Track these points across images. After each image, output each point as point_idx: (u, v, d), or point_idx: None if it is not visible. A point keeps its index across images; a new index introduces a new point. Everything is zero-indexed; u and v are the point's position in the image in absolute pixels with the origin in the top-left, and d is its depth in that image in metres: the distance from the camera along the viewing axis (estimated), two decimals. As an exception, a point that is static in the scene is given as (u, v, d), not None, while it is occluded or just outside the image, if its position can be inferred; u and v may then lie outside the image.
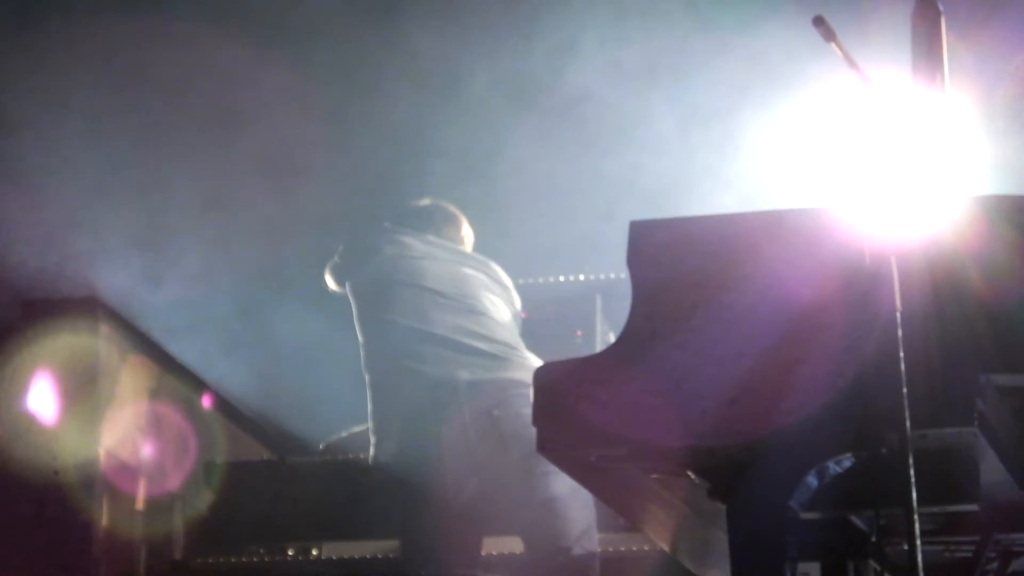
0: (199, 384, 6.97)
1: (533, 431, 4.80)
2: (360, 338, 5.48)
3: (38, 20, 6.84)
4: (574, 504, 5.23)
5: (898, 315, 3.58)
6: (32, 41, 6.81)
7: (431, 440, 5.24)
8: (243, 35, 7.00)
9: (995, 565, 4.55)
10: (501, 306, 5.49)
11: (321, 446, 6.35)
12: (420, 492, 5.23)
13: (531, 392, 3.98)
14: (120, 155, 6.96)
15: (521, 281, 5.88)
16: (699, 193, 6.66)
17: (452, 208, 5.71)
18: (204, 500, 6.27)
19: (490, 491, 5.25)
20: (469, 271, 5.52)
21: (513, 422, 5.20)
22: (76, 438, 6.14)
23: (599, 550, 5.31)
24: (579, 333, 6.52)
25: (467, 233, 5.69)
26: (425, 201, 5.69)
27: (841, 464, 3.78)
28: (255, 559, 6.20)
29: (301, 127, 7.11)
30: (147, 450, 6.49)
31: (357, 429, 5.82)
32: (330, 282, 5.65)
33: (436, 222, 5.61)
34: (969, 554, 4.40)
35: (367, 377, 5.44)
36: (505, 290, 5.57)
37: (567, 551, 5.20)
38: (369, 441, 5.48)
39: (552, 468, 5.15)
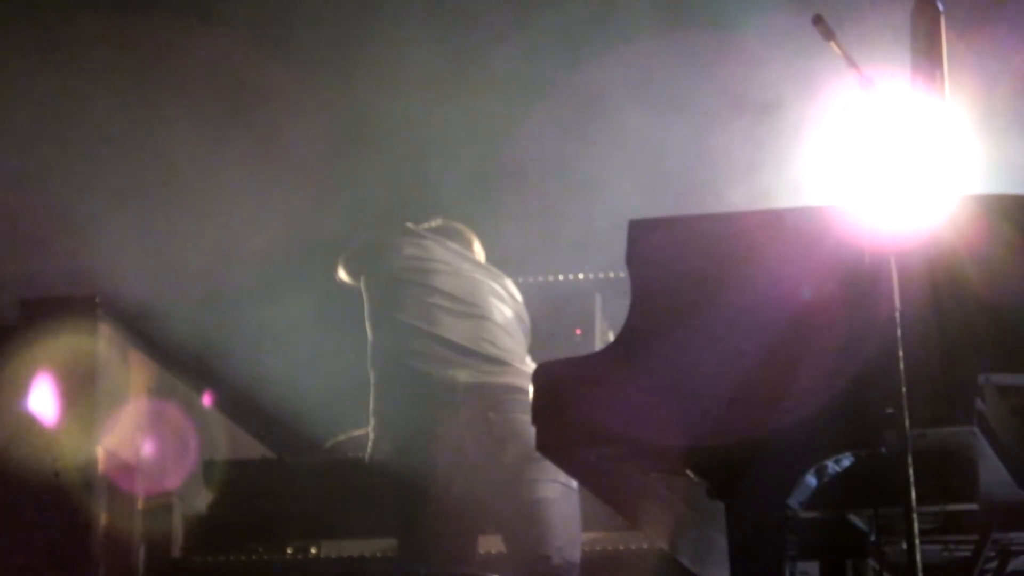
0: (199, 383, 6.97)
1: (526, 436, 4.82)
2: (369, 334, 5.50)
3: (40, 20, 6.85)
4: (559, 514, 5.24)
5: (897, 315, 3.58)
6: (34, 42, 6.81)
7: (425, 439, 5.25)
8: (247, 34, 7.01)
9: (994, 564, 4.56)
10: (509, 316, 5.50)
11: (327, 445, 6.35)
12: (414, 491, 5.23)
13: (527, 397, 3.97)
14: (120, 154, 6.96)
15: (520, 279, 5.88)
16: (699, 192, 6.66)
17: (463, 226, 5.72)
18: (204, 499, 6.27)
19: (480, 492, 5.26)
20: (481, 278, 5.53)
21: (507, 426, 5.22)
22: (76, 438, 6.14)
23: (579, 562, 5.30)
24: (578, 332, 6.51)
25: (479, 250, 5.70)
26: (438, 221, 5.70)
27: (840, 463, 3.78)
28: (254, 558, 6.20)
29: (303, 125, 7.12)
30: (147, 449, 6.49)
31: (357, 432, 5.82)
32: (342, 274, 5.65)
33: (450, 236, 5.61)
34: (968, 553, 4.40)
35: (371, 374, 5.45)
36: (516, 303, 5.58)
37: (546, 559, 5.20)
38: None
39: (541, 475, 5.19)
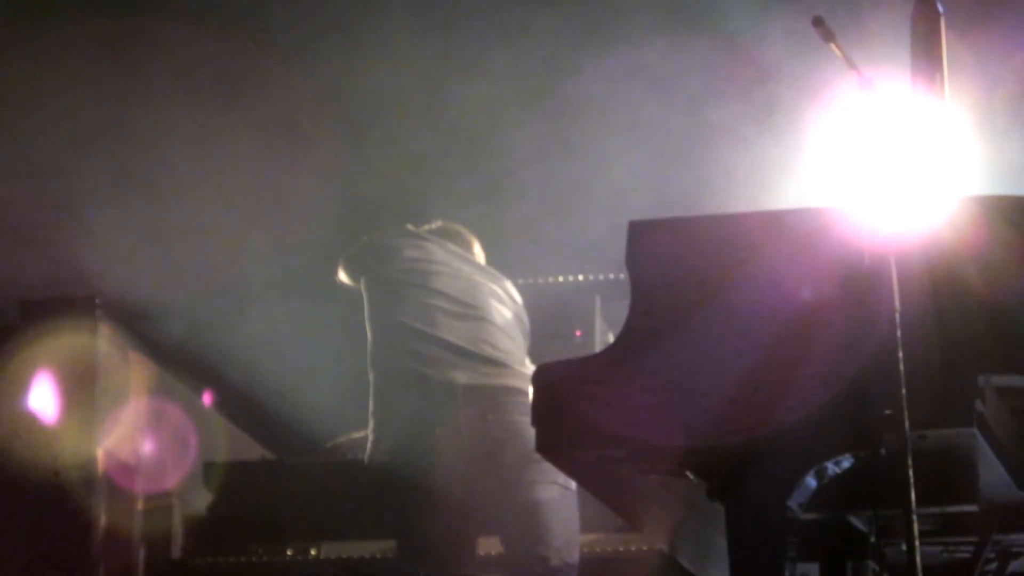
0: (199, 383, 6.97)
1: (524, 438, 4.84)
2: (369, 335, 5.50)
3: (39, 19, 6.84)
4: (558, 515, 5.25)
5: (897, 315, 3.58)
6: (33, 40, 6.81)
7: (425, 441, 5.25)
8: (246, 37, 7.01)
9: (994, 566, 4.55)
10: (509, 317, 5.51)
11: (326, 446, 6.35)
12: (413, 492, 5.24)
13: (526, 399, 3.97)
14: (120, 154, 6.96)
15: (520, 281, 5.89)
16: (699, 193, 6.66)
17: (463, 229, 5.72)
18: (203, 500, 6.27)
19: (479, 493, 5.26)
20: (481, 280, 5.53)
21: (505, 428, 5.22)
22: (76, 438, 6.15)
23: (577, 563, 5.30)
24: (578, 333, 6.52)
25: (479, 252, 5.71)
26: (438, 223, 5.70)
27: (840, 464, 3.78)
28: (254, 559, 6.19)
29: (303, 127, 7.12)
30: (147, 449, 6.49)
31: (357, 434, 5.82)
32: (342, 275, 5.65)
33: (450, 238, 5.62)
34: (968, 555, 4.40)
35: (371, 375, 5.45)
36: (516, 305, 5.59)
37: (544, 560, 5.20)
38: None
39: (540, 477, 5.19)
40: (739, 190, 6.56)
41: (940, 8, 4.05)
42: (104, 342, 6.31)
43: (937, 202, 3.76)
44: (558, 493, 5.24)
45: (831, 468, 3.77)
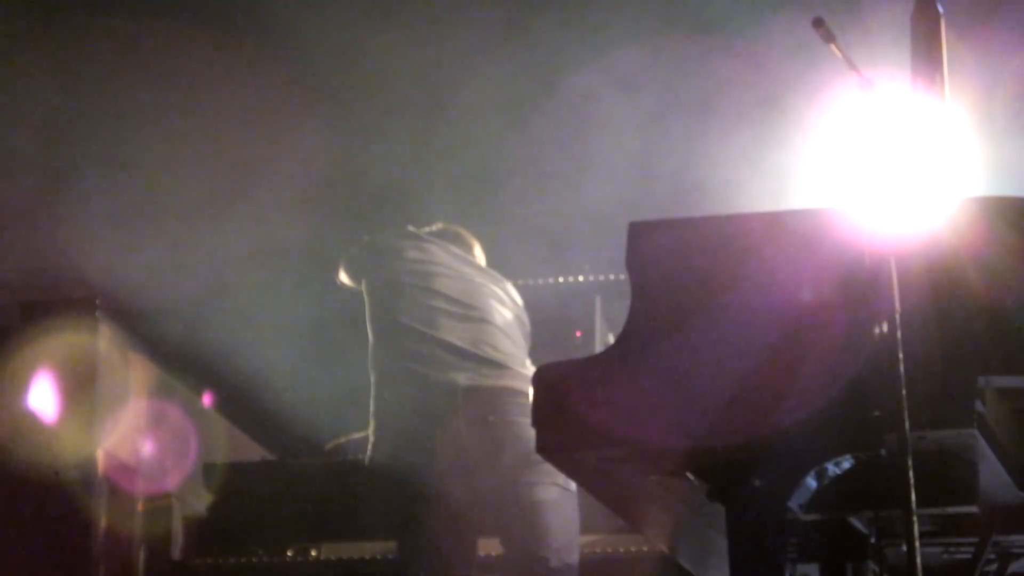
0: (199, 383, 6.97)
1: (525, 439, 4.83)
2: (370, 336, 5.50)
3: (38, 18, 6.85)
4: (557, 516, 5.24)
5: (897, 316, 3.58)
6: (31, 38, 6.82)
7: (425, 442, 5.25)
8: (246, 39, 7.01)
9: (994, 567, 4.56)
10: (509, 319, 5.51)
11: (327, 447, 6.35)
12: (414, 493, 5.24)
13: (527, 400, 3.97)
14: (120, 155, 6.96)
15: (521, 282, 5.89)
16: (699, 194, 6.66)
17: (464, 231, 5.72)
18: (203, 500, 6.27)
19: (479, 494, 5.26)
20: (482, 282, 5.53)
21: (506, 429, 5.22)
22: (76, 438, 6.15)
23: (577, 565, 5.30)
24: (578, 334, 6.52)
25: (479, 254, 5.71)
26: (439, 224, 5.70)
27: (840, 465, 3.78)
28: (254, 559, 6.19)
29: (302, 129, 7.12)
30: (147, 450, 6.49)
31: (357, 435, 5.82)
32: (344, 276, 5.65)
33: (451, 240, 5.62)
34: (968, 556, 4.40)
35: (372, 376, 5.46)
36: (516, 306, 5.59)
37: (544, 561, 5.20)
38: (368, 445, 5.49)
39: (540, 478, 5.19)
40: (740, 191, 6.56)
41: (940, 8, 4.05)
42: (104, 342, 6.31)
43: (937, 203, 3.75)
44: (558, 494, 5.24)
45: (831, 469, 3.77)
